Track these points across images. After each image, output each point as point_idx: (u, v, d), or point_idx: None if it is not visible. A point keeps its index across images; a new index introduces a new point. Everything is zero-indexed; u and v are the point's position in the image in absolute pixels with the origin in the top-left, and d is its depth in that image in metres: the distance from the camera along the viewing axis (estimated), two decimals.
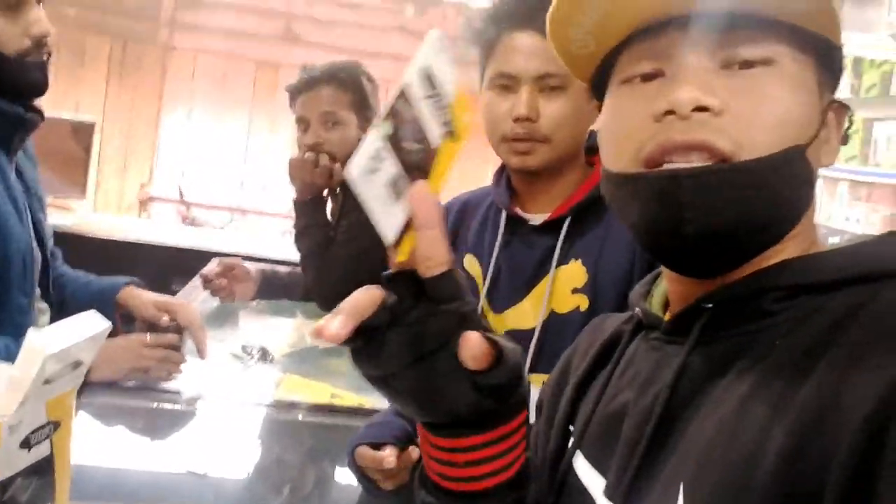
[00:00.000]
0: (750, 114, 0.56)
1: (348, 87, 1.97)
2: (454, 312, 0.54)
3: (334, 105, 1.95)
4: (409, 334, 0.53)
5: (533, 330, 1.17)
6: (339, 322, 0.51)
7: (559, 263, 1.17)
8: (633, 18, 0.59)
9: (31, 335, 0.80)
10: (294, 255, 2.06)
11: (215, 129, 6.23)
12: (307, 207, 1.97)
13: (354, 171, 0.49)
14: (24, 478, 0.81)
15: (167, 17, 6.00)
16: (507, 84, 1.16)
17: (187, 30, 6.05)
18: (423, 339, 0.53)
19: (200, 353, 1.56)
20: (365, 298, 0.53)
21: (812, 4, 0.55)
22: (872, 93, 3.09)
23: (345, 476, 1.34)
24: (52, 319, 1.43)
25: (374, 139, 0.50)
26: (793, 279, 0.57)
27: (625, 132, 0.60)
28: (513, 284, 1.22)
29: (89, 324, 0.87)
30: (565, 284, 1.17)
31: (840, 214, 3.20)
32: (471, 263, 1.27)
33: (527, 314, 1.19)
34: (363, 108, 1.99)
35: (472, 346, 0.52)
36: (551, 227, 1.19)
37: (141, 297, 1.57)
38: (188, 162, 6.19)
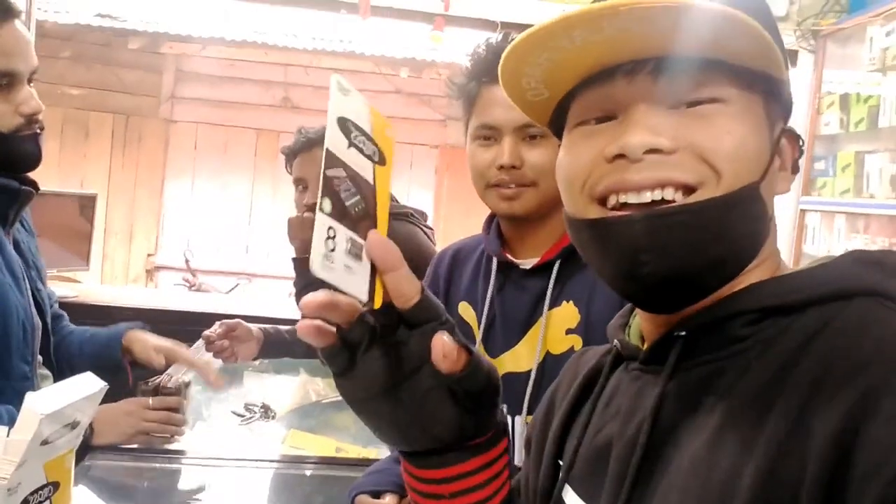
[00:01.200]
0: (703, 145, 0.58)
1: None
2: (432, 330, 0.55)
3: None
4: (390, 355, 0.56)
5: (529, 372, 1.18)
6: (319, 295, 0.53)
7: (551, 306, 1.19)
8: (580, 67, 0.61)
9: (29, 398, 0.82)
10: (297, 314, 2.07)
11: (218, 197, 6.32)
12: (307, 265, 2.00)
13: (315, 265, 0.49)
14: None
15: (168, 92, 6.14)
16: (489, 135, 1.20)
17: (188, 103, 6.19)
18: (404, 358, 0.56)
19: (212, 383, 1.57)
20: (345, 300, 0.54)
21: (751, 45, 0.56)
22: (861, 127, 3.13)
23: None
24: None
25: (320, 223, 0.51)
26: (759, 303, 0.58)
27: (579, 172, 0.62)
28: (507, 329, 1.23)
29: (85, 384, 0.89)
30: (559, 326, 1.18)
31: (839, 247, 3.21)
32: (465, 310, 1.29)
33: (522, 357, 1.20)
34: None
35: (440, 346, 0.54)
36: (542, 270, 1.21)
37: (143, 341, 1.60)
38: (193, 230, 6.26)
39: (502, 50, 1.19)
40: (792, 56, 3.54)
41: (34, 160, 1.37)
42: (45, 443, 0.82)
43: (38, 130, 1.36)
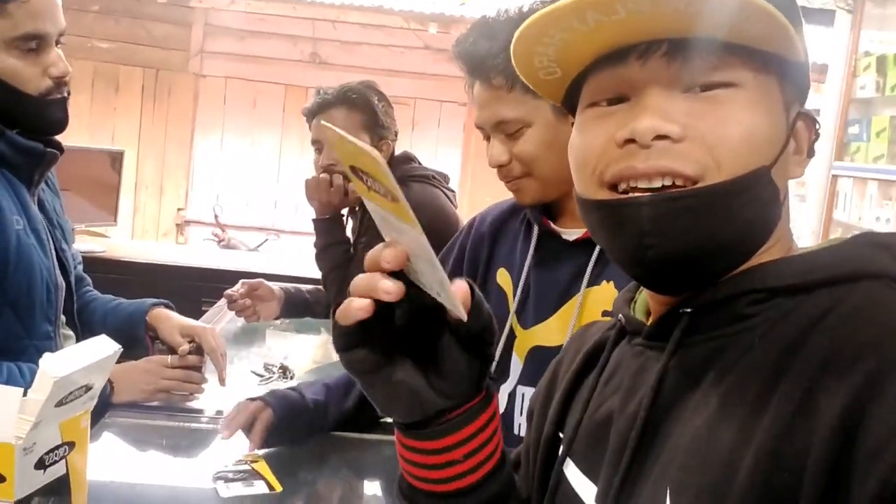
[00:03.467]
0: (711, 135, 0.57)
1: (359, 107, 2.01)
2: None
3: (346, 126, 1.98)
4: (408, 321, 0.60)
5: (559, 347, 1.16)
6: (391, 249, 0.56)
7: (591, 283, 1.15)
8: (593, 47, 0.60)
9: (45, 360, 0.84)
10: (319, 274, 2.10)
11: (247, 152, 6.33)
12: (326, 226, 2.01)
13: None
14: (40, 497, 0.85)
15: (197, 46, 6.13)
16: (483, 135, 1.21)
17: (217, 57, 6.17)
18: (418, 321, 0.60)
19: (221, 380, 1.59)
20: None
21: (765, 27, 0.55)
22: None
23: (371, 489, 1.36)
24: None
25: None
26: (766, 282, 0.58)
27: (590, 155, 0.62)
28: (542, 300, 1.20)
29: (100, 348, 0.91)
30: (595, 305, 1.14)
31: (870, 215, 3.15)
32: (502, 276, 1.27)
33: (554, 331, 1.18)
34: (375, 127, 2.03)
35: (463, 293, 0.58)
36: (585, 244, 1.16)
37: (168, 321, 1.61)
38: (222, 185, 6.30)
39: (474, 51, 1.18)
40: (829, 16, 3.43)
41: (60, 125, 1.38)
42: (59, 404, 0.84)
43: (66, 94, 1.37)
